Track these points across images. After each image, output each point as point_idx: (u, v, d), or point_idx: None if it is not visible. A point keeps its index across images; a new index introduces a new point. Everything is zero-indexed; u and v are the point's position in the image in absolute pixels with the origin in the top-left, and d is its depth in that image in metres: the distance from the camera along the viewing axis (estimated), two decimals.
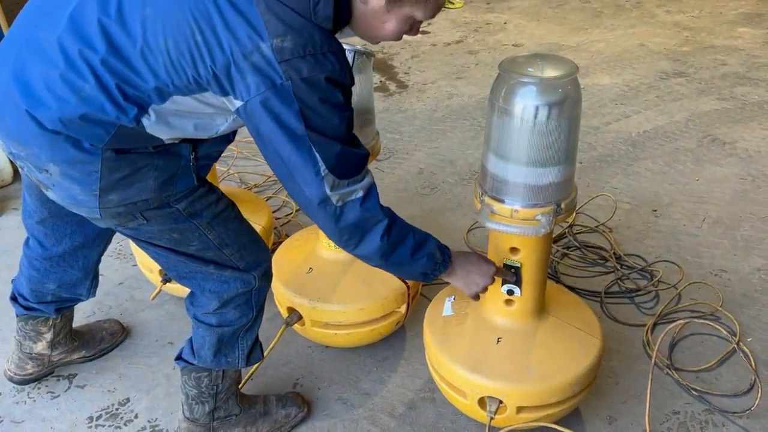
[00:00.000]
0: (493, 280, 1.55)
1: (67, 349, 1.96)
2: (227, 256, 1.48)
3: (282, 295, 1.94)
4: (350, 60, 1.70)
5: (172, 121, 1.25)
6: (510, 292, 1.63)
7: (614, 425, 1.80)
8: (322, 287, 1.90)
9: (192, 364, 1.62)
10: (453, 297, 1.82)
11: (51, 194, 1.32)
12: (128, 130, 1.22)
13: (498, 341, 1.65)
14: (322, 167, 1.23)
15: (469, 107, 3.80)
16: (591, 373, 1.65)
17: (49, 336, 1.89)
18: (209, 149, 1.42)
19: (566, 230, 2.58)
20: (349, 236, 1.33)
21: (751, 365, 1.96)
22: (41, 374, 1.94)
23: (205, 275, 1.50)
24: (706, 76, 4.19)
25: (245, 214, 2.18)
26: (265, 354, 1.89)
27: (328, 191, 1.25)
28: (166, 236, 1.41)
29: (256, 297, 1.58)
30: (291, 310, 1.93)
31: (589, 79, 4.15)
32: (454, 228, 2.67)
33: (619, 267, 2.39)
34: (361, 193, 1.30)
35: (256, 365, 1.88)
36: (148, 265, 2.14)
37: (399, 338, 2.10)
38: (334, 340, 1.94)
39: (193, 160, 1.35)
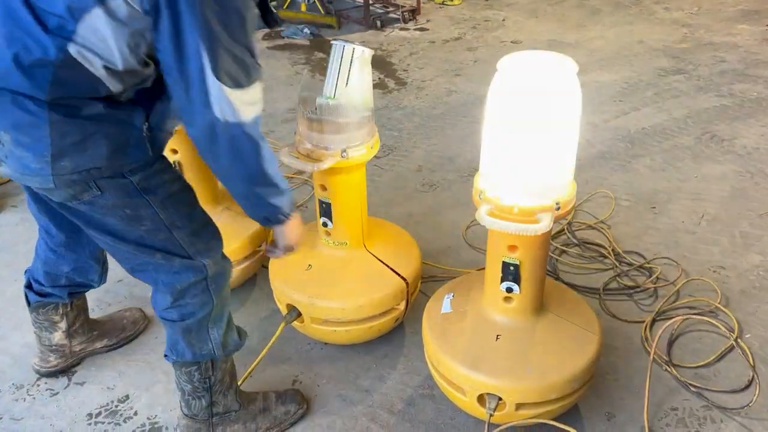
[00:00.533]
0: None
1: (86, 338, 2.00)
2: (177, 241, 1.47)
3: (281, 292, 1.94)
4: (349, 57, 1.70)
5: (95, 44, 1.19)
6: (509, 290, 1.63)
7: (613, 421, 1.81)
8: (321, 284, 1.90)
9: (174, 360, 1.65)
10: (452, 294, 1.83)
11: (4, 169, 1.32)
12: (65, 73, 1.20)
13: (497, 338, 1.66)
14: (211, 67, 1.20)
15: (468, 104, 3.80)
16: (590, 370, 1.65)
17: (63, 325, 1.92)
18: (161, 118, 1.39)
19: (565, 227, 2.59)
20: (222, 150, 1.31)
21: (749, 362, 1.96)
22: (67, 365, 1.99)
23: (156, 267, 1.50)
24: (704, 73, 4.19)
25: (242, 212, 2.20)
26: (263, 351, 1.90)
27: (217, 97, 1.23)
28: (119, 212, 1.39)
29: (213, 285, 1.57)
30: (290, 307, 1.93)
31: (588, 76, 4.15)
32: (453, 225, 2.67)
33: (617, 264, 2.39)
34: (247, 110, 1.28)
35: (255, 363, 1.88)
36: None
37: (398, 335, 2.11)
38: (333, 337, 1.94)
39: (146, 130, 1.35)
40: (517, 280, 1.61)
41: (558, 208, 1.47)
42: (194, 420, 1.71)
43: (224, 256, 1.61)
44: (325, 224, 1.91)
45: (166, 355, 1.68)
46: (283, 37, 5.06)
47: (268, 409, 1.79)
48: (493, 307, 1.69)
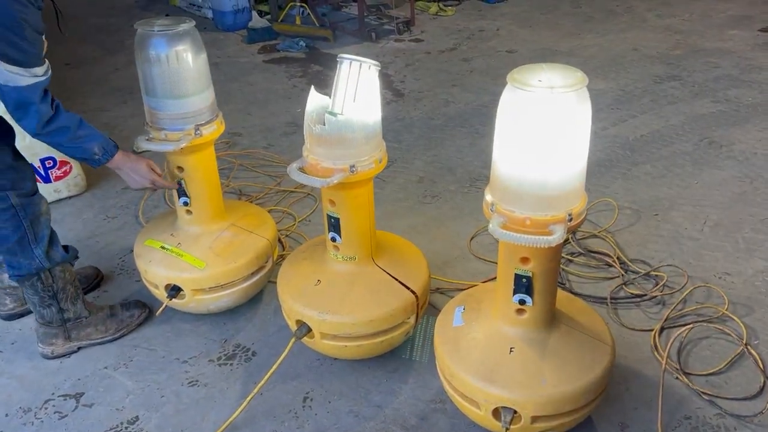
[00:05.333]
0: (153, 185, 1.99)
1: None
2: None
3: (290, 308, 1.93)
4: (356, 72, 1.70)
5: None
6: (522, 302, 1.63)
7: (626, 431, 1.81)
8: (332, 299, 1.89)
9: (15, 276, 1.96)
10: (463, 307, 1.82)
11: None
12: None
13: (511, 351, 1.65)
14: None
15: (466, 114, 3.81)
16: (604, 380, 1.65)
17: None
18: None
19: (569, 236, 2.59)
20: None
21: (760, 368, 1.96)
22: (23, 310, 2.24)
23: None
24: (699, 79, 4.22)
25: (250, 227, 2.20)
26: (273, 367, 1.88)
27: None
28: None
29: (23, 213, 1.90)
30: (300, 323, 1.92)
31: None
32: (457, 236, 2.67)
33: (623, 272, 2.40)
34: (24, 80, 1.64)
35: (264, 379, 1.86)
36: (153, 282, 2.13)
37: (408, 349, 2.10)
38: (344, 352, 1.93)
39: None
40: (529, 292, 1.60)
41: (570, 219, 1.47)
42: (50, 326, 2.05)
43: (34, 192, 1.95)
44: (333, 239, 1.90)
45: (9, 276, 1.99)
46: (279, 50, 5.07)
47: (115, 315, 2.16)
48: (505, 319, 1.69)
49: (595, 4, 6.01)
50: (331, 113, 1.69)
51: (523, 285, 1.60)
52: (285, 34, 5.31)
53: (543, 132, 1.39)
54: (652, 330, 2.13)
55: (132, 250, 2.58)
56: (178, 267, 2.08)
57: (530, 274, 1.58)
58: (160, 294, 2.13)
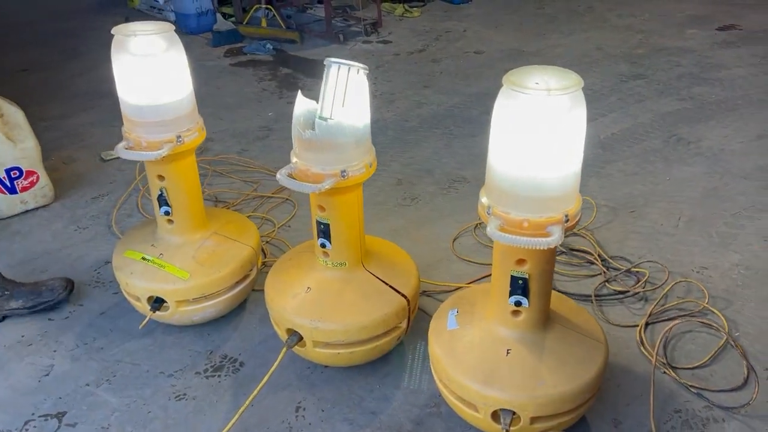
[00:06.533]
0: None
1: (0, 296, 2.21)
2: None
3: (280, 316, 1.90)
4: (345, 77, 1.68)
5: None
6: (518, 303, 1.63)
7: (620, 428, 1.83)
8: (323, 306, 1.86)
9: None
10: (456, 310, 1.82)
11: None
12: None
13: (507, 353, 1.65)
14: None
15: (439, 116, 3.82)
16: (600, 378, 1.67)
17: None
18: None
19: None
20: None
21: (743, 359, 2.01)
22: None
23: None
24: (663, 77, 4.32)
25: (233, 235, 2.15)
26: (264, 378, 1.84)
27: None
28: None
29: None
30: (291, 332, 1.88)
31: None
32: (439, 238, 2.67)
33: (605, 269, 2.43)
34: None
35: (255, 391, 1.82)
36: (134, 294, 2.07)
37: (398, 353, 2.08)
38: (336, 359, 1.91)
39: None
40: (526, 293, 1.61)
41: (567, 220, 1.48)
42: None
43: None
44: (323, 245, 1.88)
45: None
46: (246, 53, 5.00)
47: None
48: (501, 321, 1.69)
49: (557, 4, 6.10)
50: (322, 118, 1.67)
51: (519, 287, 1.60)
52: (251, 36, 5.24)
53: (542, 134, 1.39)
54: (637, 326, 2.16)
55: (108, 262, 2.52)
56: (160, 278, 2.02)
57: (527, 276, 1.58)
58: (142, 307, 2.07)
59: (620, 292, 2.33)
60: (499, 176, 1.49)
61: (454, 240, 2.65)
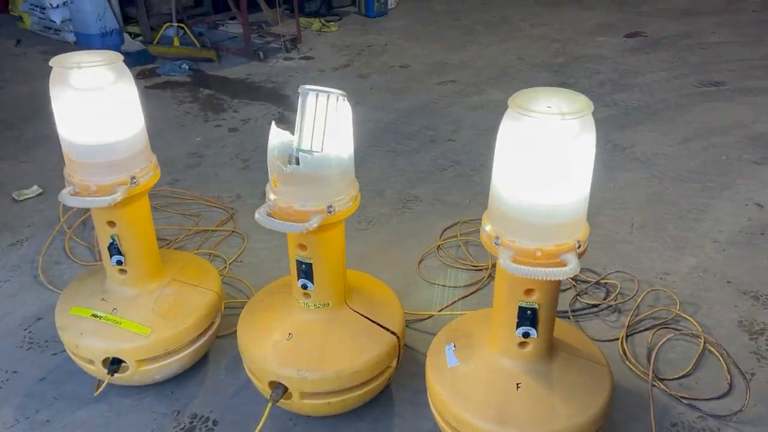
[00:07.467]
0: None
1: None
2: None
3: (261, 368, 1.72)
4: (324, 106, 1.55)
5: None
6: (526, 335, 1.55)
7: None
8: (309, 353, 1.71)
9: None
10: (453, 345, 1.72)
11: None
12: None
13: (518, 387, 1.57)
14: None
15: (379, 133, 3.73)
16: (610, 403, 1.62)
17: None
18: None
19: None
20: None
21: (722, 364, 2.04)
22: None
23: None
24: (585, 84, 4.45)
25: (193, 280, 1.95)
26: None
27: None
28: None
29: None
30: (274, 385, 1.72)
31: (485, 96, 4.25)
32: (404, 262, 2.57)
33: (574, 283, 2.42)
34: None
35: None
36: (85, 357, 1.82)
37: (383, 394, 1.96)
38: (327, 409, 1.76)
39: None
40: (534, 324, 1.53)
41: (579, 246, 1.42)
42: None
43: None
44: (305, 286, 1.72)
45: None
46: (160, 74, 4.71)
47: None
48: (506, 353, 1.61)
49: (472, 16, 6.19)
50: (307, 151, 1.52)
51: (527, 318, 1.53)
52: (163, 56, 4.94)
53: (558, 158, 1.32)
54: (617, 339, 2.15)
55: (40, 318, 2.25)
56: (117, 336, 1.79)
57: (536, 306, 1.51)
58: (96, 370, 1.83)
59: (593, 305, 2.32)
60: (508, 204, 1.40)
61: (420, 263, 2.56)
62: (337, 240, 1.70)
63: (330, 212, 1.57)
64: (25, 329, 2.22)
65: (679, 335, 2.17)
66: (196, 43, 5.01)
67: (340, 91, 1.58)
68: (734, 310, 2.29)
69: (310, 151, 1.51)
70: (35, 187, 3.11)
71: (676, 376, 2.01)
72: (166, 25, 5.07)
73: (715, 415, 1.88)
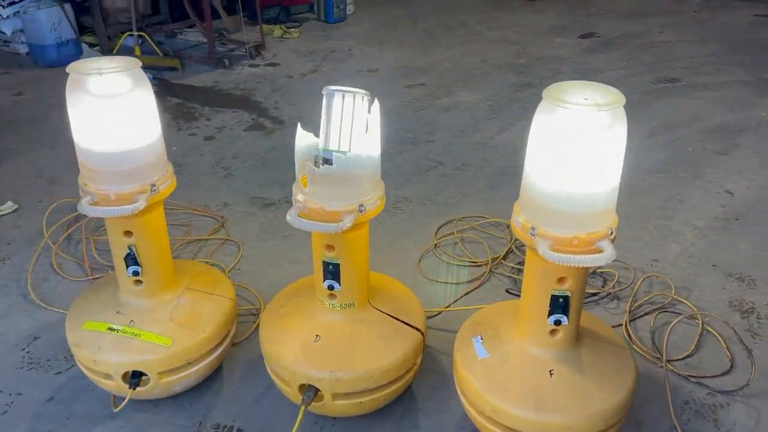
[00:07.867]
0: None
1: None
2: None
3: (292, 373, 1.71)
4: (351, 106, 1.56)
5: None
6: (557, 322, 1.59)
7: (643, 429, 1.86)
8: (339, 354, 1.70)
9: None
10: (480, 337, 1.75)
11: None
12: None
13: (551, 374, 1.61)
14: None
15: None
16: (637, 383, 1.68)
17: None
18: None
19: (512, 246, 2.64)
20: None
21: (721, 343, 2.14)
22: None
23: None
24: (550, 84, 4.56)
25: (208, 288, 1.93)
26: None
27: None
28: None
29: None
30: (305, 388, 1.70)
31: (455, 98, 4.32)
32: (404, 261, 2.59)
33: None
34: None
35: None
36: (104, 372, 1.76)
37: (404, 392, 1.96)
38: (357, 409, 1.76)
39: None
40: (566, 311, 1.58)
41: (611, 233, 1.47)
42: None
43: None
44: (331, 287, 1.72)
45: None
46: None
47: None
48: (537, 342, 1.65)
49: (430, 20, 6.28)
50: (339, 152, 1.53)
51: (560, 305, 1.57)
52: None
53: (594, 149, 1.37)
54: (621, 324, 2.23)
55: (37, 337, 2.17)
56: (137, 349, 1.74)
57: (568, 294, 1.55)
58: (115, 385, 1.77)
59: (593, 294, 2.39)
60: (545, 195, 1.45)
61: (420, 261, 2.58)
62: (363, 239, 1.71)
63: (361, 211, 1.58)
64: (22, 349, 2.13)
65: (678, 317, 2.26)
66: (158, 52, 4.91)
67: (364, 91, 1.59)
68: (723, 292, 2.41)
69: (341, 152, 1.52)
70: (10, 203, 2.98)
71: (681, 357, 2.10)
72: (125, 34, 4.95)
73: (722, 391, 1.97)
